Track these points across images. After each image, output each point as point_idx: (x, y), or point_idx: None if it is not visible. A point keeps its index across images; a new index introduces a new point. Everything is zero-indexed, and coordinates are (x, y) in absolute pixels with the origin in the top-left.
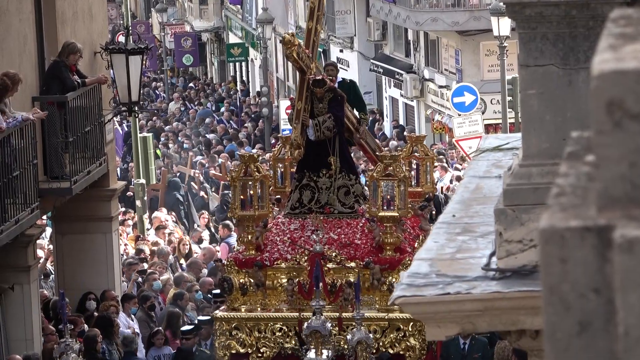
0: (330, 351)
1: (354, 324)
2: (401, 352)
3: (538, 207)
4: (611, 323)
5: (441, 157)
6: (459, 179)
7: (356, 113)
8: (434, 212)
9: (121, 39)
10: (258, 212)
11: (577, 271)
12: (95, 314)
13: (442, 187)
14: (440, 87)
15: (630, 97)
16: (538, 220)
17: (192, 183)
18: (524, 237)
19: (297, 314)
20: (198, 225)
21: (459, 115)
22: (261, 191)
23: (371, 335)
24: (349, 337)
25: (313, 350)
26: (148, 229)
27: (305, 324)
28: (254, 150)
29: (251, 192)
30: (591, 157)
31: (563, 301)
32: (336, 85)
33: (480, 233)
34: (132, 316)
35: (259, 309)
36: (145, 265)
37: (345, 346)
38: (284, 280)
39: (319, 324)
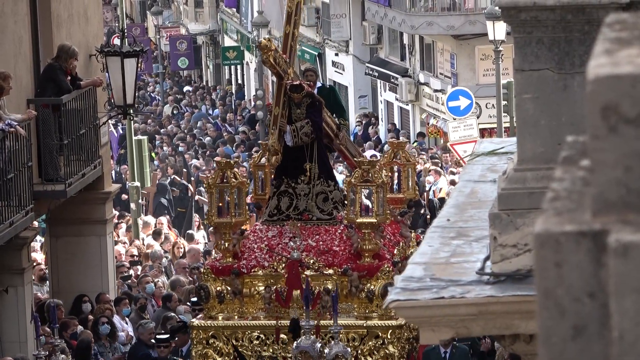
0: None
1: (332, 331)
2: None
3: (533, 211)
4: (606, 327)
5: (435, 161)
6: (453, 183)
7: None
8: (428, 217)
9: (116, 41)
10: (235, 219)
11: (572, 275)
12: (90, 317)
13: (434, 191)
14: (436, 91)
15: (625, 101)
16: (533, 224)
17: (189, 186)
18: (519, 241)
19: (275, 321)
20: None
21: (454, 119)
22: (238, 198)
23: (349, 343)
24: (326, 350)
25: None
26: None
27: (295, 344)
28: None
29: (228, 198)
30: (586, 161)
31: (558, 305)
32: (315, 90)
33: (475, 237)
34: (127, 319)
35: (236, 317)
36: (139, 269)
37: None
38: (261, 288)
39: (308, 345)
